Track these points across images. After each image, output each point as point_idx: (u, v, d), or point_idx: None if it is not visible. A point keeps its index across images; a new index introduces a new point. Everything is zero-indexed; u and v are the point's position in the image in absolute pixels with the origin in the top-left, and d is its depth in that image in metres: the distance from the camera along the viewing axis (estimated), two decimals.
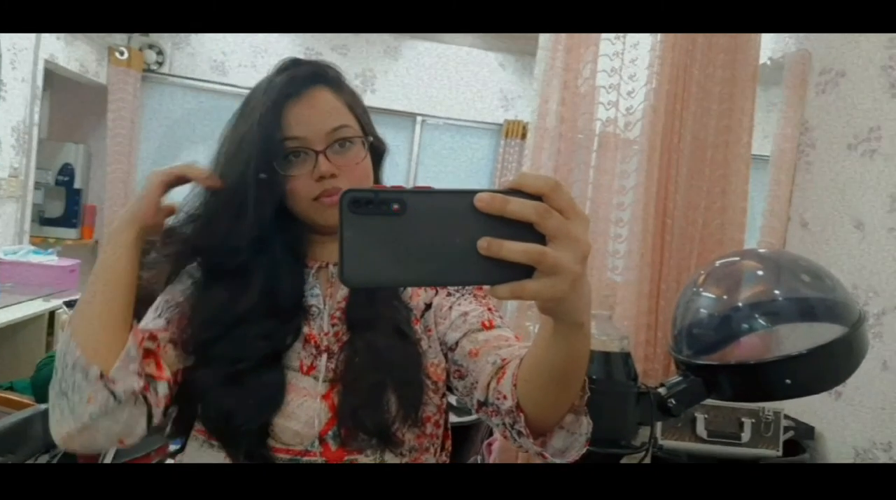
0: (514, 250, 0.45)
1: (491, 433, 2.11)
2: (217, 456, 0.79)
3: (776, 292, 1.28)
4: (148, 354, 0.75)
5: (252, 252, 0.81)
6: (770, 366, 1.19)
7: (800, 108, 2.19)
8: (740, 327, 1.25)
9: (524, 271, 0.47)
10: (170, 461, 2.25)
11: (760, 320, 1.24)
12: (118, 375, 0.71)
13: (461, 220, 0.46)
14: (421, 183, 0.69)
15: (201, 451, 0.80)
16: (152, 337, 0.77)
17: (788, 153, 2.20)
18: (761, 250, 1.83)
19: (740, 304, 1.26)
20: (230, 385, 0.77)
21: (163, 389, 0.75)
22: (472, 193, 0.46)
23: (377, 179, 0.91)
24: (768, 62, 2.33)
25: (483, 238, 0.45)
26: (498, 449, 2.19)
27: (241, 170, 0.80)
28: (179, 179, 0.82)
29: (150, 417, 0.74)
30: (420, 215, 0.45)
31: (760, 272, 1.34)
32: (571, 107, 2.06)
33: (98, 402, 0.70)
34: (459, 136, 4.74)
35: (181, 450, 0.84)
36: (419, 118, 4.64)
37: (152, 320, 0.81)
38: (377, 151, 0.90)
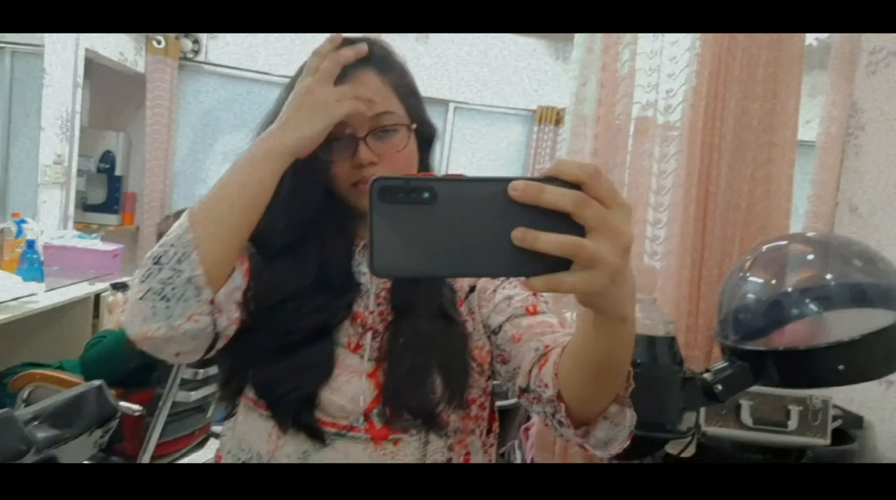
0: (550, 241, 0.43)
1: (528, 418, 2.11)
2: (265, 425, 0.80)
3: (827, 276, 1.24)
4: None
5: (300, 229, 0.81)
6: (821, 352, 1.17)
7: (848, 89, 2.12)
8: (790, 312, 1.22)
9: (561, 262, 0.45)
10: (213, 441, 2.31)
11: (811, 306, 1.21)
12: (223, 302, 0.70)
13: (494, 209, 0.44)
14: (453, 171, 0.66)
15: (251, 418, 0.82)
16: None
17: (836, 137, 2.13)
18: (810, 234, 1.78)
19: (790, 289, 1.23)
20: (282, 354, 0.77)
21: (231, 331, 0.75)
22: (506, 181, 0.44)
23: (426, 165, 0.89)
24: (815, 42, 2.26)
25: (517, 229, 0.44)
26: (535, 434, 2.19)
27: None
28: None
29: (210, 347, 0.73)
30: (452, 204, 0.44)
31: (810, 256, 1.31)
32: (611, 90, 2.03)
33: (198, 324, 0.69)
34: (492, 122, 4.71)
35: (231, 415, 0.86)
36: (451, 105, 4.61)
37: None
38: (425, 136, 0.88)
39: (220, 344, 0.75)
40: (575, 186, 0.45)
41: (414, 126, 0.84)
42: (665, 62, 2.04)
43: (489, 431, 0.88)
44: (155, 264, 0.68)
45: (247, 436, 0.82)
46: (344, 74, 0.80)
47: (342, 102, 0.76)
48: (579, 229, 0.45)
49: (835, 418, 1.61)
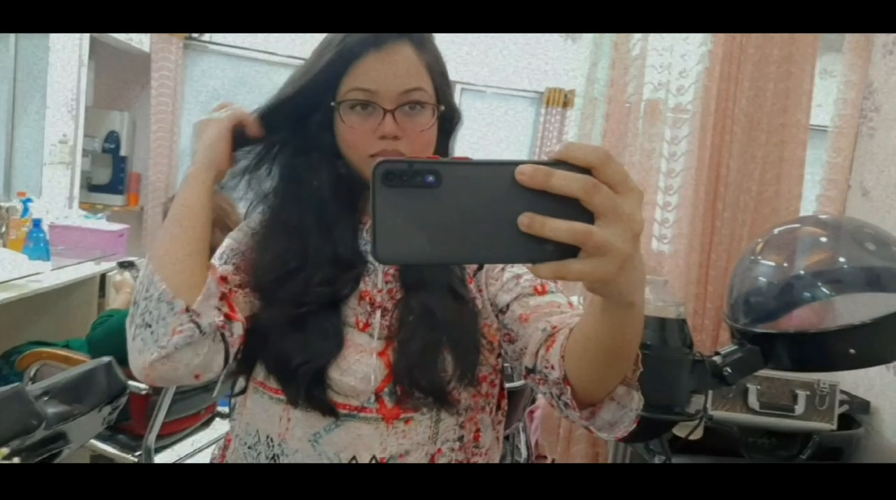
0: (558, 228, 0.42)
1: (533, 401, 2.11)
2: (276, 408, 0.80)
3: (840, 259, 1.23)
4: (221, 296, 0.76)
5: (307, 195, 0.81)
6: (833, 335, 1.16)
7: (863, 71, 2.09)
8: (802, 295, 1.21)
9: (569, 249, 0.43)
10: (218, 420, 2.32)
11: (823, 289, 1.19)
12: (201, 308, 0.72)
13: (501, 194, 0.42)
14: (458, 153, 0.66)
15: (260, 402, 0.82)
16: (223, 279, 0.78)
17: (849, 119, 2.11)
18: (823, 216, 1.77)
19: (802, 271, 1.22)
20: (291, 328, 0.77)
21: (238, 329, 0.76)
22: (513, 164, 0.42)
23: (447, 150, 0.88)
24: None
25: (524, 214, 0.42)
26: (540, 417, 2.19)
27: (301, 101, 0.80)
28: (237, 126, 0.83)
29: (226, 356, 0.75)
30: (457, 188, 0.42)
31: (823, 239, 1.29)
32: (622, 70, 2.01)
33: (183, 333, 0.71)
34: (499, 104, 4.67)
35: (239, 393, 0.86)
36: (458, 87, 4.57)
37: (219, 266, 0.81)
38: (449, 121, 0.87)
39: (233, 351, 0.76)
40: (585, 170, 0.43)
41: (441, 108, 0.83)
42: (678, 42, 2.01)
43: (498, 407, 0.88)
44: (134, 305, 0.74)
45: (256, 419, 0.82)
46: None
47: (220, 112, 0.84)
48: (588, 215, 0.43)
49: (841, 403, 1.60)
